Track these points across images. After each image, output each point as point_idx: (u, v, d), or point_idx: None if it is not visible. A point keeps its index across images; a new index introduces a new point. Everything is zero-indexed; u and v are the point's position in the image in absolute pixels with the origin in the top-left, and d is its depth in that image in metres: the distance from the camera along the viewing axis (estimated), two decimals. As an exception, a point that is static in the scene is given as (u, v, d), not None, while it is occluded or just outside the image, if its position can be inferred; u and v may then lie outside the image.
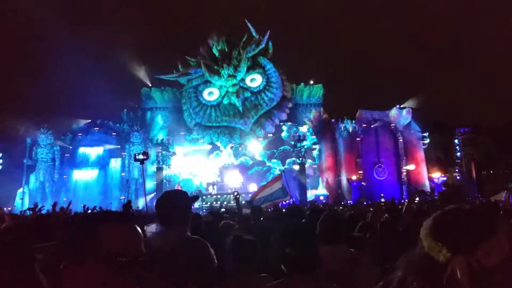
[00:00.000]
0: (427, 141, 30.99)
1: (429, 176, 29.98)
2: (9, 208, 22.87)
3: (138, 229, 1.24)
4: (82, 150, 31.15)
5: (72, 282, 1.12)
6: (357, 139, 30.35)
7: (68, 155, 30.87)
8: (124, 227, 1.20)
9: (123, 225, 1.21)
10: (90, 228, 1.18)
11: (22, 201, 28.53)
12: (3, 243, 2.69)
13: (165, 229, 2.57)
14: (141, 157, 8.03)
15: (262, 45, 31.98)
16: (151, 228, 2.68)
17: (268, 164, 33.24)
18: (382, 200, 22.12)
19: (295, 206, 5.42)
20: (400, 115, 31.14)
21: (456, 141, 32.44)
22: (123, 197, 27.25)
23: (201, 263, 2.39)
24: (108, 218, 1.23)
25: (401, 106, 31.96)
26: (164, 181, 30.02)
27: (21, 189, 29.80)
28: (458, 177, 31.34)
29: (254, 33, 31.93)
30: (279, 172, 32.39)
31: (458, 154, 32.17)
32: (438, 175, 30.04)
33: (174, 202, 2.69)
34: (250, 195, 27.84)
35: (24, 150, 30.50)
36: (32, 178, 30.29)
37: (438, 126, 33.00)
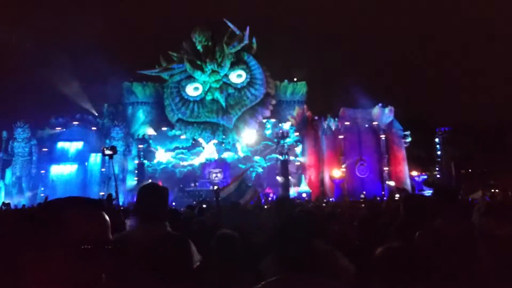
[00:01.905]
0: (408, 139, 31.42)
1: (410, 175, 30.38)
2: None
3: (105, 216, 1.15)
4: (60, 144, 30.44)
5: (32, 270, 1.05)
6: (340, 136, 30.54)
7: (46, 149, 30.12)
8: (89, 213, 1.12)
9: (88, 211, 1.13)
10: (53, 213, 1.10)
11: (-3, 196, 27.75)
12: None
13: (145, 223, 2.52)
14: (108, 152, 7.80)
15: (245, 41, 31.82)
16: (131, 221, 2.59)
17: (251, 160, 33.13)
18: (362, 196, 22.37)
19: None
20: (383, 113, 31.46)
21: (436, 140, 33.00)
22: (103, 193, 26.75)
23: (182, 258, 2.39)
24: (73, 203, 1.14)
25: (383, 104, 32.26)
26: (146, 176, 29.66)
27: (-5, 184, 28.98)
28: (438, 176, 31.91)
29: (236, 30, 31.75)
30: (261, 170, 32.54)
31: (439, 153, 32.74)
32: (418, 174, 30.49)
33: (155, 196, 2.64)
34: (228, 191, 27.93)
35: (-1, 144, 29.68)
36: (8, 173, 29.46)
37: (419, 125, 33.51)
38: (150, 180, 29.50)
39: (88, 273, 1.04)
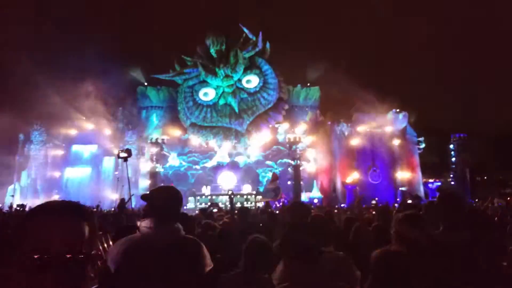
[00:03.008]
0: (422, 146, 31.05)
1: (424, 181, 30.02)
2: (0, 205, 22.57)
3: (81, 224, 1.07)
4: (75, 148, 30.86)
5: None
6: (353, 142, 30.33)
7: (61, 152, 30.58)
8: (56, 222, 1.04)
9: (58, 219, 1.05)
10: (21, 221, 1.05)
11: (13, 198, 28.20)
12: None
13: (159, 225, 2.52)
14: (123, 154, 7.85)
15: (259, 47, 31.88)
16: (145, 223, 2.62)
17: (263, 165, 33.11)
18: (373, 202, 22.08)
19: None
20: (396, 119, 31.16)
21: (451, 146, 32.53)
22: (117, 196, 27.00)
23: (195, 262, 2.42)
24: (41, 210, 1.07)
25: (397, 110, 31.96)
26: (159, 179, 29.87)
27: (12, 186, 29.47)
28: (452, 182, 31.43)
29: (250, 35, 31.82)
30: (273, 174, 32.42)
31: (453, 159, 32.25)
32: (432, 180, 30.11)
33: (170, 198, 2.67)
34: (244, 196, 27.90)
35: (16, 147, 30.19)
36: (24, 175, 29.96)
37: (434, 131, 33.09)
38: (163, 184, 29.77)
39: (39, 286, 0.97)
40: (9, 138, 30.02)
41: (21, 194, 28.63)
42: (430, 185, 29.31)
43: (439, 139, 33.22)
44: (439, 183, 30.18)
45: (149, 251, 2.36)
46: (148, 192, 2.75)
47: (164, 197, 2.67)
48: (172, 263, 2.32)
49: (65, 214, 1.06)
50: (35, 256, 0.96)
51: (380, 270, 2.14)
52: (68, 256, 0.99)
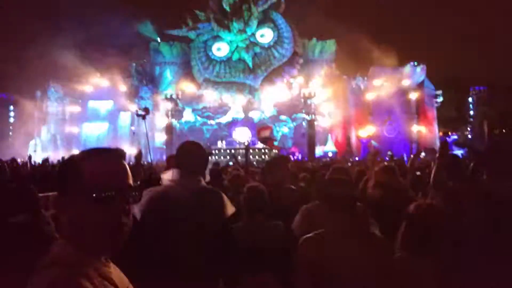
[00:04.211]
0: (440, 99, 30.45)
1: (440, 135, 29.69)
2: (22, 160, 23.29)
3: (124, 163, 1.22)
4: (91, 104, 31.24)
5: (63, 217, 1.14)
6: (369, 96, 29.88)
7: (78, 108, 31.03)
8: (109, 162, 1.19)
9: (107, 159, 1.20)
10: (73, 163, 1.18)
11: (34, 152, 29.05)
12: (8, 189, 2.77)
13: (182, 178, 2.63)
14: (142, 112, 8.03)
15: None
16: (168, 175, 2.73)
17: (278, 120, 33.07)
18: (389, 153, 22.04)
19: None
20: (414, 72, 30.42)
21: (470, 99, 31.84)
22: (134, 149, 27.54)
23: (216, 211, 2.53)
24: (92, 153, 1.21)
25: (415, 63, 31.10)
26: (175, 134, 30.24)
27: (33, 141, 30.27)
28: (469, 136, 31.05)
29: None
30: (287, 129, 32.46)
31: (471, 112, 31.67)
32: (449, 134, 29.72)
33: (194, 152, 2.77)
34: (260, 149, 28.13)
35: (34, 103, 30.70)
36: (44, 130, 30.66)
37: (453, 84, 32.27)
38: (178, 138, 30.16)
39: (108, 218, 1.11)
40: (28, 94, 30.56)
41: (42, 149, 29.45)
42: (447, 138, 28.99)
43: (458, 92, 32.48)
44: (455, 137, 29.82)
45: (172, 200, 2.48)
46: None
47: (187, 152, 2.77)
48: (194, 210, 2.43)
49: (113, 155, 1.22)
50: (103, 192, 1.11)
51: (416, 222, 2.25)
52: (124, 191, 1.16)
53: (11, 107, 31.31)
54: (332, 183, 2.52)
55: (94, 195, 1.09)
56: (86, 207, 1.10)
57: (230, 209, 2.62)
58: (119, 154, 1.23)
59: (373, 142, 28.18)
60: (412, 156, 8.10)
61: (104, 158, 1.19)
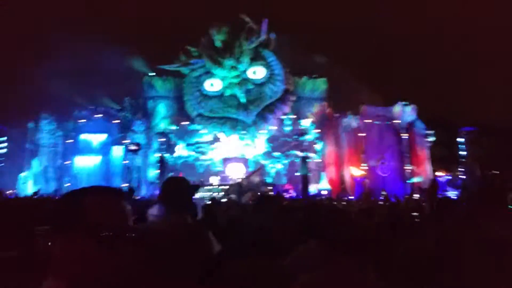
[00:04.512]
0: (431, 139, 30.86)
1: (433, 175, 29.89)
2: (11, 192, 22.94)
3: (125, 203, 1.21)
4: (83, 136, 31.11)
5: (59, 254, 1.11)
6: (361, 134, 30.22)
7: (71, 141, 30.86)
8: (109, 201, 1.18)
9: (109, 198, 1.19)
10: (75, 200, 1.16)
11: (24, 185, 28.58)
12: (6, 221, 2.69)
13: (167, 214, 2.62)
14: (133, 147, 8.09)
15: (263, 36, 31.54)
16: (153, 211, 2.68)
17: (271, 156, 33.14)
18: (383, 193, 22.07)
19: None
20: (404, 112, 30.98)
21: (461, 140, 32.29)
22: (126, 185, 27.28)
23: (200, 249, 2.48)
24: (93, 192, 1.20)
25: (405, 103, 31.72)
26: (167, 169, 30.07)
27: (23, 173, 29.85)
28: (462, 176, 31.26)
29: (252, 25, 31.47)
30: (281, 166, 32.49)
31: (463, 153, 32.05)
32: (443, 174, 29.96)
33: (178, 188, 2.75)
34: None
35: (26, 134, 30.52)
36: (35, 163, 30.31)
37: (443, 124, 32.83)
38: (171, 173, 29.99)
39: (109, 259, 1.09)
40: (20, 126, 30.44)
41: (34, 182, 29.02)
42: (440, 179, 29.14)
43: (449, 132, 32.98)
44: (449, 177, 30.02)
45: (155, 238, 2.42)
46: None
47: (173, 188, 2.75)
48: (177, 247, 2.37)
49: (114, 195, 1.20)
50: (102, 233, 1.08)
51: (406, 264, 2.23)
52: (125, 232, 1.14)
53: (5, 138, 31.03)
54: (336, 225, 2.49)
55: (96, 234, 1.07)
56: (86, 246, 1.07)
57: (216, 246, 2.59)
58: (119, 193, 1.22)
59: (367, 181, 28.25)
60: (406, 197, 8.11)
61: (105, 197, 1.18)
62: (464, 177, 31.08)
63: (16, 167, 29.88)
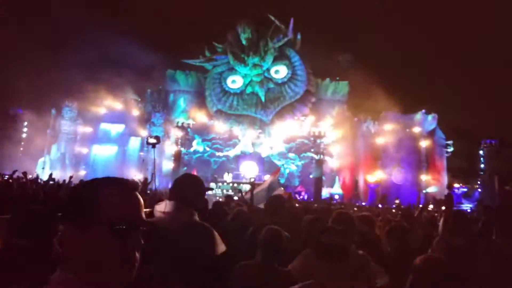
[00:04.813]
0: (450, 149, 30.24)
1: (449, 186, 29.27)
2: (31, 176, 23.40)
3: (139, 196, 1.19)
4: (103, 126, 31.58)
5: (69, 245, 1.10)
6: (379, 141, 29.83)
7: (89, 129, 31.36)
8: (124, 194, 1.16)
9: (124, 190, 1.17)
10: (90, 190, 1.14)
11: (43, 170, 29.21)
12: (33, 211, 2.69)
13: (174, 210, 2.59)
14: (152, 140, 8.10)
15: (289, 36, 31.52)
16: (160, 207, 2.68)
17: (285, 157, 33.06)
18: (396, 202, 21.72)
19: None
20: (425, 120, 30.45)
21: (481, 152, 31.59)
22: (140, 176, 27.60)
23: (203, 247, 2.45)
24: (108, 183, 1.18)
25: (427, 111, 31.19)
26: (182, 163, 30.29)
27: (42, 158, 30.50)
28: (479, 190, 30.56)
29: (279, 24, 31.45)
30: (294, 167, 32.37)
31: (482, 165, 31.34)
32: (458, 185, 29.34)
33: (189, 185, 2.74)
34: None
35: (48, 121, 31.16)
36: (54, 148, 30.92)
37: (464, 135, 32.16)
38: (185, 168, 30.19)
39: (122, 252, 1.07)
40: (42, 111, 31.12)
41: (51, 167, 29.62)
42: (456, 190, 28.52)
43: (469, 144, 32.30)
44: (465, 189, 29.36)
45: (160, 234, 2.41)
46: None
47: (182, 185, 2.74)
48: (180, 244, 2.36)
49: (130, 187, 1.19)
50: (117, 225, 1.08)
51: (421, 276, 2.20)
52: (138, 225, 1.13)
53: (25, 123, 31.73)
54: (323, 231, 2.49)
55: (112, 227, 1.07)
56: (101, 238, 1.06)
57: (221, 247, 2.55)
58: (134, 186, 1.21)
59: (379, 188, 27.87)
60: (420, 207, 7.97)
61: (121, 189, 1.16)
62: (481, 190, 30.36)
63: (36, 152, 30.54)
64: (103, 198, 1.11)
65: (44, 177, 22.33)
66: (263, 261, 3.01)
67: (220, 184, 28.75)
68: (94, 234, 1.07)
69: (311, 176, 30.20)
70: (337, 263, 2.20)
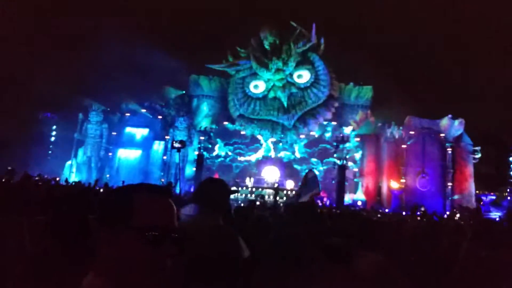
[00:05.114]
0: (478, 155, 29.39)
1: (476, 193, 28.46)
2: (58, 179, 24.09)
3: (172, 203, 1.20)
4: (128, 130, 32.21)
5: (103, 251, 1.10)
6: (403, 146, 29.32)
7: (115, 133, 32.03)
8: (159, 201, 1.17)
9: (157, 198, 1.17)
10: (125, 196, 1.15)
11: (70, 173, 29.98)
12: (66, 214, 2.71)
13: (199, 214, 2.62)
14: (177, 145, 8.23)
15: (312, 41, 31.40)
16: (185, 210, 2.69)
17: (307, 162, 32.89)
18: (422, 209, 21.24)
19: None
20: (452, 125, 29.74)
21: (510, 159, 30.59)
22: (163, 180, 27.98)
23: (230, 251, 2.45)
24: (143, 189, 1.18)
25: (454, 116, 30.45)
26: (204, 167, 30.52)
27: (69, 162, 31.32)
28: (509, 198, 29.58)
29: (302, 30, 31.40)
30: (317, 173, 32.10)
31: (511, 173, 30.34)
32: (486, 193, 28.49)
33: (215, 189, 2.76)
34: (286, 192, 27.86)
35: (75, 124, 32.00)
36: (80, 152, 31.72)
37: (492, 141, 31.24)
38: (207, 172, 30.40)
39: (156, 259, 1.09)
40: (69, 116, 32.00)
41: (77, 170, 30.40)
42: (484, 198, 27.66)
43: (497, 150, 31.34)
44: (493, 197, 28.47)
45: (187, 237, 2.42)
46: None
47: (207, 188, 2.77)
48: (208, 249, 2.37)
49: (163, 194, 1.20)
50: (151, 233, 1.08)
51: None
52: (171, 232, 1.14)
53: (54, 127, 32.67)
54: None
55: (145, 233, 1.07)
56: (135, 244, 1.07)
57: (245, 251, 2.56)
58: (167, 192, 1.21)
59: (403, 195, 27.36)
60: (446, 215, 7.80)
61: (155, 196, 1.17)
62: (510, 198, 29.37)
63: (64, 155, 31.38)
64: (137, 205, 1.12)
65: (71, 180, 22.95)
66: (281, 265, 2.98)
67: (240, 189, 28.82)
68: (127, 240, 1.08)
69: (333, 182, 29.90)
70: (341, 265, 2.20)
